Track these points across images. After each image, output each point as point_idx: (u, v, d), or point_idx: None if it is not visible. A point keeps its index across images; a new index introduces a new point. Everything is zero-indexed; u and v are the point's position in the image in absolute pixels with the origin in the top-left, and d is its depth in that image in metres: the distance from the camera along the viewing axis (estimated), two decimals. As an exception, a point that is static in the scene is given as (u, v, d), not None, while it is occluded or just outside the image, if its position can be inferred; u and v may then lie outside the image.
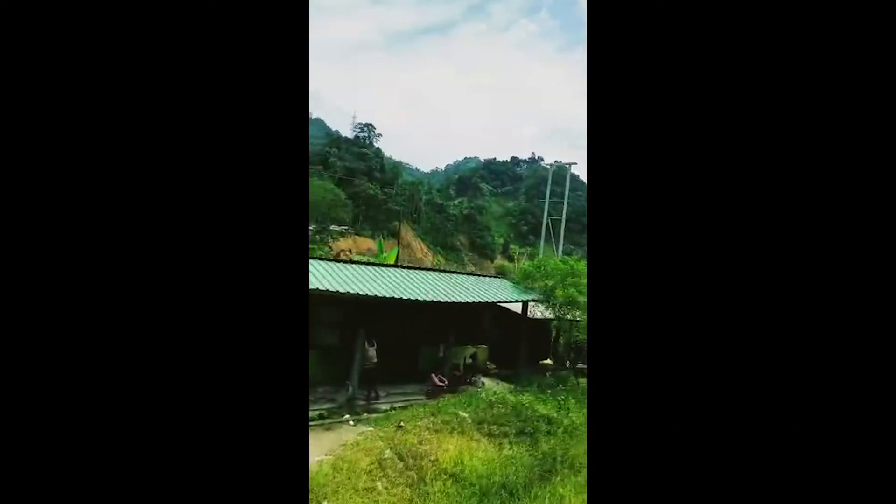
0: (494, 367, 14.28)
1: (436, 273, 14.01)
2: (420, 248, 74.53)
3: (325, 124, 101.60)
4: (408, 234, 75.32)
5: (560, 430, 9.62)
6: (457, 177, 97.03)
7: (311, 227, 52.42)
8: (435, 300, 10.92)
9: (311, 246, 43.84)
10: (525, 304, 13.15)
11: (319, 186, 61.49)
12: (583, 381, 13.75)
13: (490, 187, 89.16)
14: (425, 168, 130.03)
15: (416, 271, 13.59)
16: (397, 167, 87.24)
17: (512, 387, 12.74)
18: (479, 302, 11.94)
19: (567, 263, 13.87)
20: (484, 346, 14.08)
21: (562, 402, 11.02)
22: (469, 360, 12.84)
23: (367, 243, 59.92)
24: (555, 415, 10.22)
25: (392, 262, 17.17)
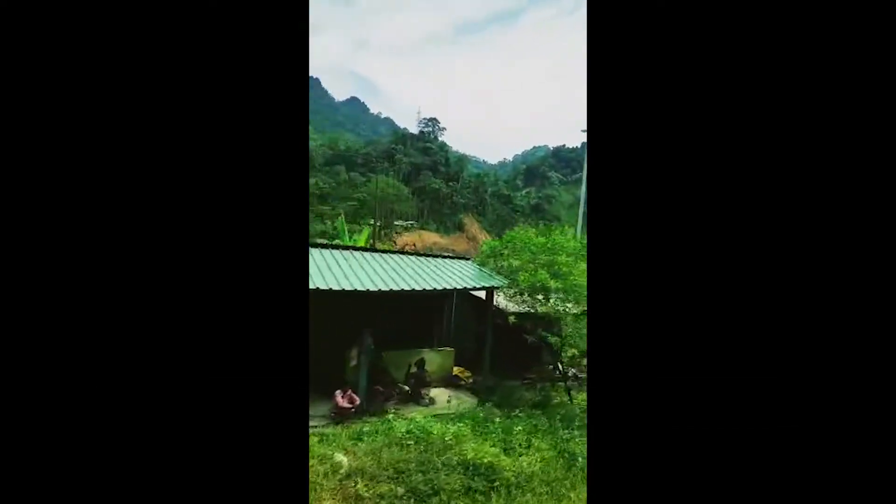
0: (469, 375, 10.60)
1: (394, 256, 10.65)
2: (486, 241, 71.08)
3: (394, 122, 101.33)
4: (473, 226, 72.41)
5: (489, 489, 5.89)
6: (524, 167, 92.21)
7: (378, 224, 51.96)
8: (348, 289, 7.59)
9: (376, 241, 42.64)
10: (490, 291, 9.32)
11: (384, 182, 61.04)
12: (580, 399, 9.60)
13: (559, 175, 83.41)
14: (493, 160, 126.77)
15: (366, 254, 10.35)
16: (462, 160, 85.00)
17: (476, 405, 9.06)
18: (424, 291, 8.40)
19: (547, 236, 9.74)
20: (448, 348, 10.44)
21: (516, 436, 7.18)
22: (414, 369, 9.33)
23: (433, 237, 57.98)
24: (495, 459, 6.44)
25: (361, 246, 13.87)
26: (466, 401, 9.37)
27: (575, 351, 8.09)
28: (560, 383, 10.11)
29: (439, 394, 9.81)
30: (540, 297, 8.64)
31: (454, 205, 74.09)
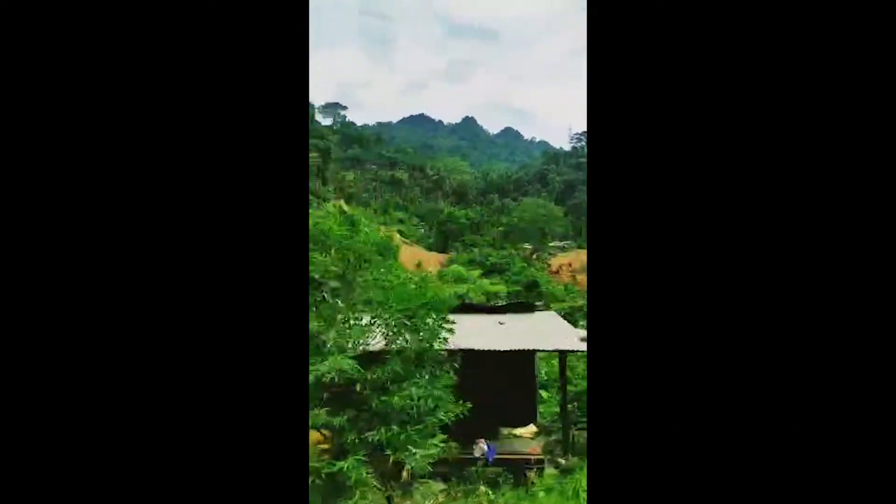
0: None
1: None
2: (656, 254, 61.91)
3: (548, 144, 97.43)
4: (638, 239, 63.65)
5: None
6: (701, 166, 78.90)
7: (527, 247, 48.99)
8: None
9: (524, 265, 39.68)
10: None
11: (532, 204, 58.07)
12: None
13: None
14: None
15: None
16: (623, 169, 76.59)
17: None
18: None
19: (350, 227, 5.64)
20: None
21: None
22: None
23: (592, 256, 52.27)
24: None
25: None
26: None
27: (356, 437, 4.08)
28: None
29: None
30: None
31: (615, 218, 66.48)
